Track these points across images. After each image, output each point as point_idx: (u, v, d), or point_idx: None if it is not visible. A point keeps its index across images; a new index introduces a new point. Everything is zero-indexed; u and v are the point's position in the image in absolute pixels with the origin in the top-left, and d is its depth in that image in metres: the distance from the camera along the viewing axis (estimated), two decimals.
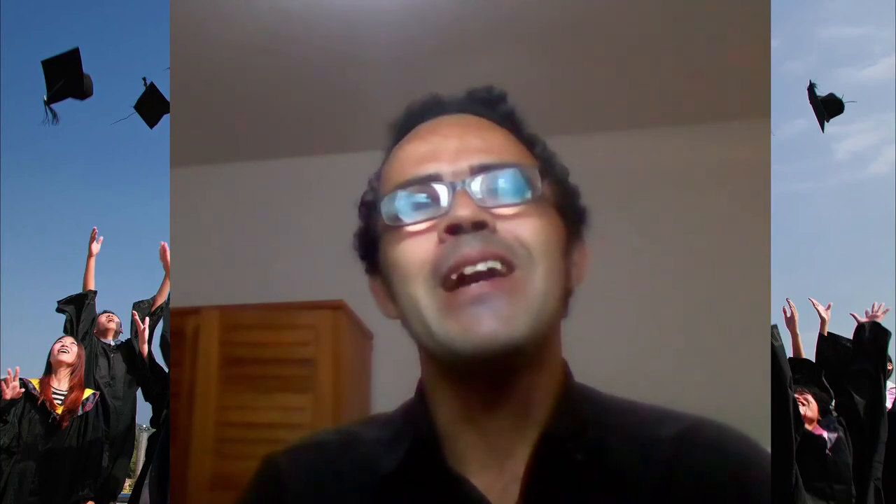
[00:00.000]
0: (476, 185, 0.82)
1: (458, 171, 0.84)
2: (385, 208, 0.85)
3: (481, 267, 0.78)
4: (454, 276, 0.78)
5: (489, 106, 0.94)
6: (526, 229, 0.81)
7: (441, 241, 0.80)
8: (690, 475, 0.81)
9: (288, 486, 0.91)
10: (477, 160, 0.84)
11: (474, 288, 0.77)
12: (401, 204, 0.84)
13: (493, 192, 0.82)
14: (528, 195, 0.83)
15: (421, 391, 0.91)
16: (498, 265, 0.78)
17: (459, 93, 0.95)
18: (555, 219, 0.86)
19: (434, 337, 0.79)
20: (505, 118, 0.93)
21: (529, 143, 0.93)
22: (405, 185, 0.85)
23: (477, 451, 0.84)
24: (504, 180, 0.83)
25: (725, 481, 0.80)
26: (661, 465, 0.82)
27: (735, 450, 0.84)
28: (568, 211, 0.90)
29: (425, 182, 0.84)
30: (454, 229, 0.79)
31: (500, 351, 0.76)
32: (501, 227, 0.80)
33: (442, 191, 0.82)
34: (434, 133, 0.89)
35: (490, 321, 0.76)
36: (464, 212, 0.79)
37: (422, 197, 0.83)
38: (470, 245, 0.78)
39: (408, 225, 0.83)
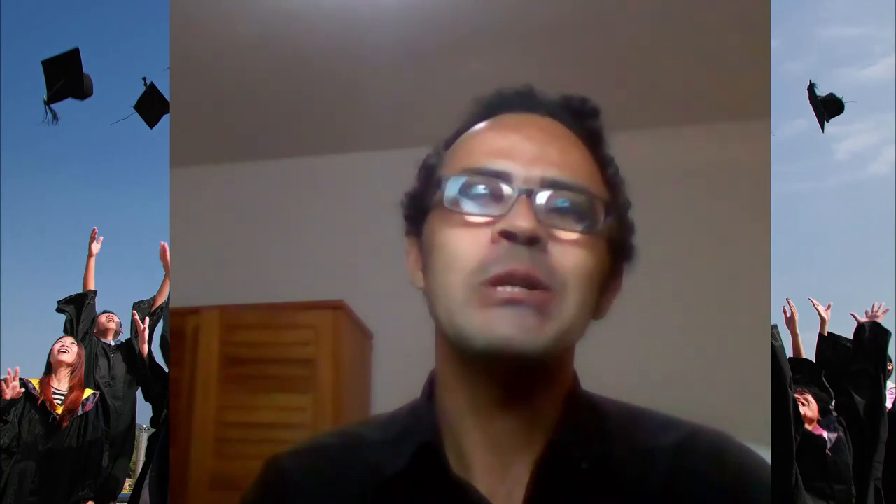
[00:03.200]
0: (542, 198, 0.81)
1: (530, 178, 0.82)
2: (448, 189, 0.84)
3: (520, 283, 0.78)
4: (496, 282, 0.78)
5: (578, 118, 0.93)
6: (575, 260, 0.80)
7: (494, 240, 0.80)
8: (690, 484, 0.81)
9: (292, 489, 0.91)
10: (550, 173, 0.83)
11: (508, 291, 0.77)
12: (465, 190, 0.83)
13: (556, 211, 0.81)
14: (588, 226, 0.82)
15: (430, 388, 0.91)
16: (537, 286, 0.78)
17: (554, 95, 0.94)
18: (604, 254, 0.85)
19: (455, 323, 0.79)
20: (589, 134, 0.92)
21: (604, 164, 0.92)
22: (473, 172, 0.84)
23: (481, 454, 0.84)
24: (569, 203, 0.82)
25: (724, 490, 0.81)
26: (662, 473, 0.82)
27: (734, 459, 0.84)
28: (619, 247, 0.90)
29: (494, 177, 0.83)
30: (509, 235, 0.79)
31: (513, 357, 0.76)
32: (553, 249, 0.80)
33: (508, 191, 0.81)
34: (517, 130, 0.87)
35: (511, 325, 0.76)
36: (524, 222, 0.78)
37: (486, 189, 0.82)
38: (519, 260, 0.78)
39: (465, 214, 0.82)
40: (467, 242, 0.81)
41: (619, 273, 0.91)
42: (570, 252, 0.80)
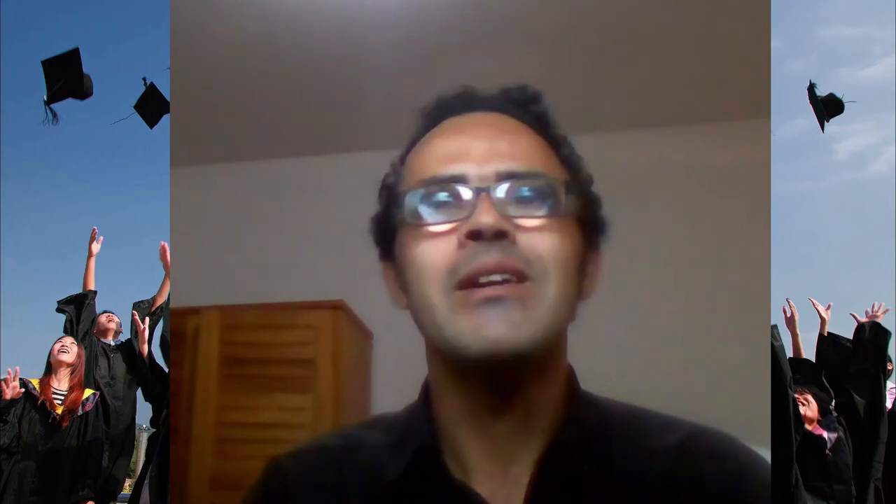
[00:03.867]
0: (501, 192, 0.82)
1: (485, 176, 0.83)
2: (407, 204, 0.84)
3: (496, 277, 0.78)
4: (469, 283, 0.78)
5: (522, 106, 0.93)
6: (545, 243, 0.81)
7: (461, 245, 0.80)
8: (690, 485, 0.81)
9: (293, 490, 0.91)
10: (505, 166, 0.84)
11: (488, 290, 0.77)
12: (423, 202, 0.83)
13: (517, 201, 0.82)
14: (551, 208, 0.83)
15: (426, 393, 0.91)
16: (513, 278, 0.78)
17: (493, 89, 0.94)
18: (574, 232, 0.86)
19: (444, 334, 0.79)
20: (536, 119, 0.92)
21: (557, 145, 0.92)
22: (429, 182, 0.84)
23: (480, 457, 0.84)
24: (529, 191, 0.83)
25: (725, 491, 0.81)
26: (662, 475, 0.82)
27: (734, 459, 0.84)
28: (588, 223, 0.90)
29: (450, 182, 0.83)
30: (475, 235, 0.79)
31: (507, 354, 0.76)
32: (521, 238, 0.80)
33: (466, 194, 0.82)
34: (464, 132, 0.88)
35: (500, 323, 0.76)
36: (486, 219, 0.79)
37: (445, 196, 0.83)
38: (489, 254, 0.78)
39: (428, 224, 0.83)
40: (436, 252, 0.81)
41: (595, 248, 0.92)
42: (539, 238, 0.81)
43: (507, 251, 0.79)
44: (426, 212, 0.83)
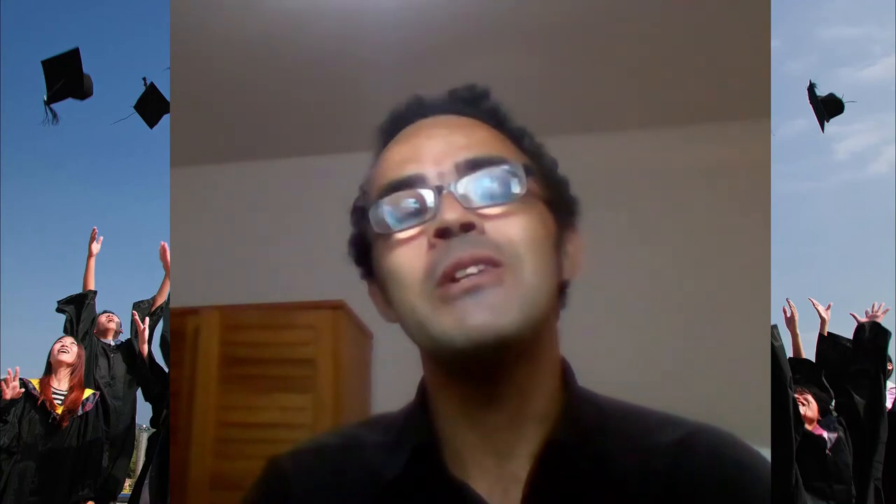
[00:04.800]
0: (462, 186, 0.82)
1: (443, 172, 0.83)
2: (373, 216, 0.85)
3: (472, 270, 0.78)
4: (446, 279, 0.79)
5: (472, 104, 0.93)
6: (514, 228, 0.81)
7: (431, 245, 0.80)
8: (689, 483, 0.81)
9: (293, 490, 0.91)
10: (462, 156, 0.84)
11: (464, 282, 0.77)
12: (387, 211, 0.84)
13: (478, 192, 0.82)
14: (515, 193, 0.82)
15: (422, 393, 0.91)
16: (488, 266, 0.78)
17: (441, 93, 0.95)
18: (544, 213, 0.86)
19: (429, 334, 0.79)
20: (490, 115, 0.92)
21: (516, 137, 0.92)
22: (390, 189, 0.84)
23: (477, 454, 0.84)
24: (490, 180, 0.82)
25: (724, 488, 0.80)
26: (661, 472, 0.82)
27: (734, 457, 0.84)
28: (558, 204, 0.90)
29: (410, 185, 0.83)
30: (443, 233, 0.79)
31: (494, 341, 0.76)
32: (489, 227, 0.80)
33: (428, 195, 0.82)
34: (416, 135, 0.88)
35: (482, 312, 0.76)
36: (451, 215, 0.79)
37: (408, 202, 0.83)
38: (461, 248, 0.78)
39: (396, 232, 0.83)
40: (408, 257, 0.81)
41: (571, 227, 0.92)
42: (506, 223, 0.81)
43: (477, 242, 0.79)
44: (392, 220, 0.83)
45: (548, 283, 0.82)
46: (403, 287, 0.81)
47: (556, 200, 0.90)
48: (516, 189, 0.83)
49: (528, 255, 0.80)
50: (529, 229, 0.82)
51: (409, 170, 0.84)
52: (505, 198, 0.82)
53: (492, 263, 0.78)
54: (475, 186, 0.82)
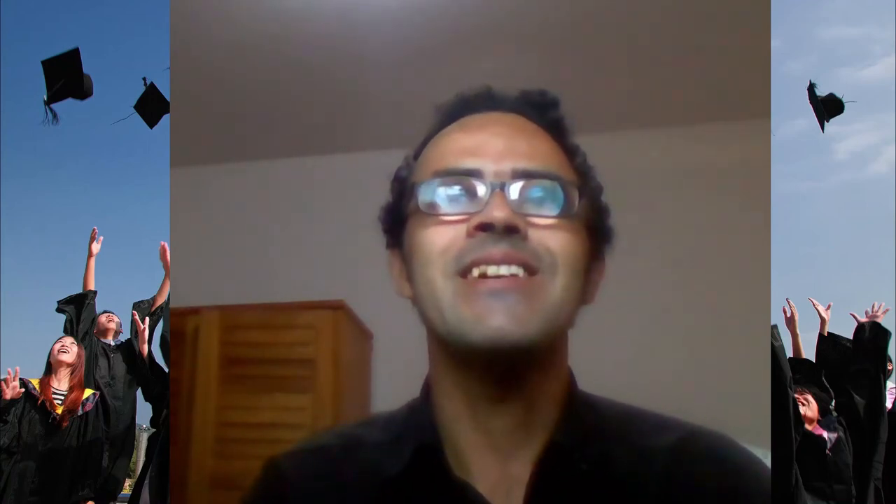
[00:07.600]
0: (515, 189, 0.83)
1: (500, 172, 0.84)
2: (422, 193, 0.85)
3: (504, 271, 0.78)
4: (476, 272, 0.79)
5: (539, 110, 0.94)
6: (557, 242, 0.82)
7: (470, 235, 0.81)
8: (687, 485, 0.82)
9: (292, 490, 0.91)
10: (521, 164, 0.85)
11: (493, 282, 0.78)
12: (438, 192, 0.84)
13: (530, 199, 0.83)
14: (564, 210, 0.83)
15: (426, 389, 0.91)
16: (521, 272, 0.79)
17: (513, 91, 0.95)
18: (583, 236, 0.87)
19: (446, 321, 0.80)
20: (552, 125, 0.93)
21: (571, 153, 0.93)
22: (445, 174, 0.85)
23: (479, 454, 0.84)
24: (543, 191, 0.84)
25: (723, 491, 0.81)
26: (660, 475, 0.83)
27: (732, 460, 0.85)
28: (597, 230, 0.91)
29: (466, 175, 0.84)
30: (486, 227, 0.80)
31: (508, 348, 0.77)
32: (533, 234, 0.81)
33: (481, 188, 0.83)
34: (482, 129, 0.89)
35: (503, 316, 0.77)
36: (499, 213, 0.80)
37: (460, 189, 0.84)
38: (497, 246, 0.79)
39: (441, 214, 0.84)
40: (443, 237, 0.82)
41: (600, 256, 0.92)
42: (550, 235, 0.82)
43: (517, 245, 0.80)
44: (440, 202, 0.84)
45: (572, 302, 0.83)
46: (428, 263, 0.82)
47: (596, 226, 0.91)
48: (566, 207, 0.84)
49: (564, 270, 0.81)
50: (570, 247, 0.83)
51: (469, 162, 0.85)
52: (553, 212, 0.83)
53: (528, 269, 0.79)
54: (527, 194, 0.83)
